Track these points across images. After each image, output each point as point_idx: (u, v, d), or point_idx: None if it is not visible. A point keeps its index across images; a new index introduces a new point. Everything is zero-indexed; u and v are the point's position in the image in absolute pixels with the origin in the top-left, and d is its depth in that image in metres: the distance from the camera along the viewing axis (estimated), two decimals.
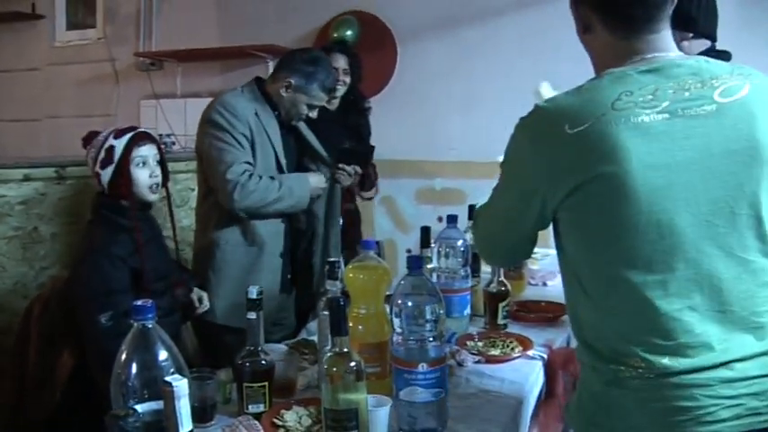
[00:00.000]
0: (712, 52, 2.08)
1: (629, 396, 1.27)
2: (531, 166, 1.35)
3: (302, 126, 2.86)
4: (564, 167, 1.28)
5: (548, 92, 1.96)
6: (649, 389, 1.25)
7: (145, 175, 2.28)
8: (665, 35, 1.36)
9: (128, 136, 2.27)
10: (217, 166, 2.54)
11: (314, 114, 2.73)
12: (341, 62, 3.35)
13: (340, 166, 2.80)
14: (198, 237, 2.81)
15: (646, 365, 1.25)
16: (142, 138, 2.30)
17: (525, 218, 1.41)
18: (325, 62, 2.72)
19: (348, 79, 3.39)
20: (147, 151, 2.30)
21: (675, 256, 1.24)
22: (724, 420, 1.21)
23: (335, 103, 3.41)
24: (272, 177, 2.59)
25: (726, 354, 1.23)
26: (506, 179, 1.46)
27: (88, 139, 2.33)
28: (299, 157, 2.84)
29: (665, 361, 1.23)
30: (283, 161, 2.68)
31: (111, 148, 2.25)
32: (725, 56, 2.10)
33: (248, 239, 2.64)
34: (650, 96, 1.26)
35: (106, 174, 2.25)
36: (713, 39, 2.14)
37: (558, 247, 1.42)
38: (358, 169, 2.84)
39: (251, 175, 2.53)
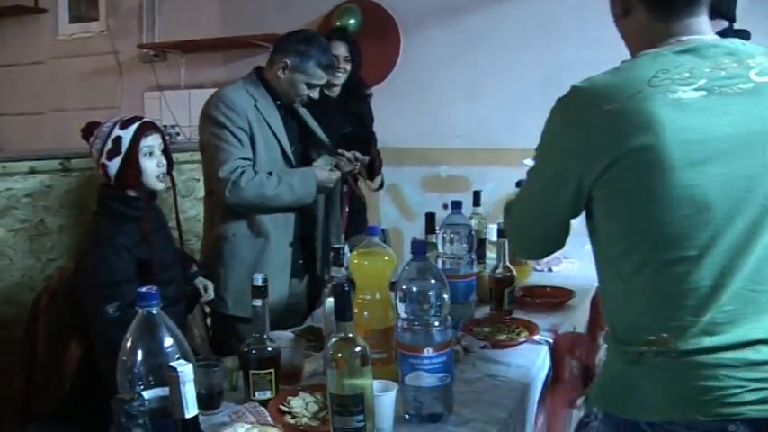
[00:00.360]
0: (730, 32, 2.07)
1: (651, 376, 1.28)
2: (567, 144, 1.35)
3: (304, 112, 2.86)
4: (600, 144, 1.29)
5: None
6: (672, 368, 1.26)
7: (152, 165, 2.28)
8: (703, 20, 1.37)
9: (135, 126, 2.26)
10: (211, 164, 2.58)
11: (315, 95, 2.72)
12: (341, 50, 3.35)
13: (339, 151, 2.80)
14: (206, 230, 2.83)
15: (671, 343, 1.25)
16: (149, 128, 2.30)
17: (561, 200, 1.40)
18: (319, 40, 2.72)
19: (348, 66, 3.39)
20: (154, 141, 2.30)
21: (709, 231, 1.23)
22: (748, 403, 1.21)
23: (336, 90, 3.41)
24: (270, 173, 2.59)
25: (752, 333, 1.23)
26: (542, 161, 1.45)
27: (88, 130, 2.32)
28: (303, 145, 2.84)
29: (691, 338, 1.24)
30: (289, 150, 2.69)
31: (118, 138, 2.24)
32: (744, 35, 2.08)
33: (254, 231, 2.65)
34: (687, 74, 1.27)
35: (114, 165, 2.24)
36: (732, 19, 2.12)
37: (591, 233, 1.42)
38: (358, 155, 2.83)
39: (243, 173, 2.54)
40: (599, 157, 1.28)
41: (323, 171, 2.71)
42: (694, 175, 1.23)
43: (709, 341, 1.23)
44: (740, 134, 1.24)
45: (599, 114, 1.28)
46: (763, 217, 1.24)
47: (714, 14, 2.00)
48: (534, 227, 1.53)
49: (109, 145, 2.24)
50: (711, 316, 1.23)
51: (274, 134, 2.64)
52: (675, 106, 1.24)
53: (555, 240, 1.53)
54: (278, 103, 2.71)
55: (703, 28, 1.36)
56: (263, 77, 2.72)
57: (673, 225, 1.24)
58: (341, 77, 3.37)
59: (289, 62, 2.64)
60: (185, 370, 1.05)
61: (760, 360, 1.22)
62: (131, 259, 2.21)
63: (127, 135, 2.24)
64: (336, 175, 2.75)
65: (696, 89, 1.25)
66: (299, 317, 2.65)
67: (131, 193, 2.27)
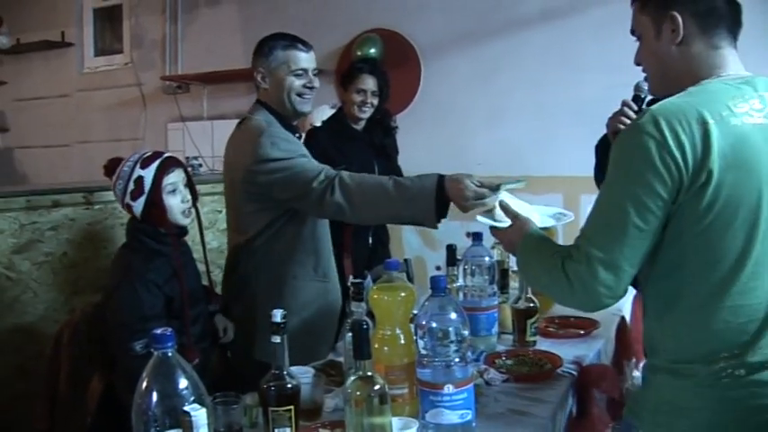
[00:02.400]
0: None
1: (706, 395, 1.34)
2: (661, 160, 1.33)
3: None
4: (696, 158, 1.32)
5: (511, 201, 1.93)
6: (739, 387, 1.31)
7: (177, 201, 2.26)
8: (737, 54, 1.48)
9: (155, 165, 2.24)
10: (293, 186, 2.29)
11: (316, 83, 2.47)
12: (370, 83, 3.31)
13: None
14: (256, 272, 2.48)
15: (740, 358, 1.32)
16: (170, 164, 2.27)
17: (647, 226, 1.37)
18: (275, 34, 2.49)
19: (376, 101, 3.33)
20: (176, 177, 2.27)
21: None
22: None
23: (362, 123, 3.39)
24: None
25: None
26: (627, 187, 1.38)
27: (111, 168, 2.29)
28: None
29: (758, 350, 1.31)
30: None
31: (140, 178, 2.22)
32: None
33: (319, 273, 2.48)
34: (755, 101, 1.37)
35: (138, 205, 2.23)
36: None
37: (649, 263, 1.42)
38: None
39: (339, 172, 2.25)
40: (699, 171, 1.32)
41: (455, 178, 2.23)
42: (759, 202, 1.33)
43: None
44: None
45: (694, 130, 1.32)
46: None
47: None
48: (619, 261, 1.42)
49: (131, 185, 2.22)
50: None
51: None
52: (756, 130, 1.35)
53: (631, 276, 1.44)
54: (297, 135, 2.56)
55: (738, 61, 1.47)
56: (268, 107, 2.48)
57: (752, 240, 1.34)
58: (367, 112, 3.32)
59: (261, 68, 2.45)
60: (199, 415, 1.04)
61: None
62: (161, 295, 2.20)
63: (149, 174, 2.22)
64: None
65: (764, 116, 1.37)
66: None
67: (161, 229, 2.26)
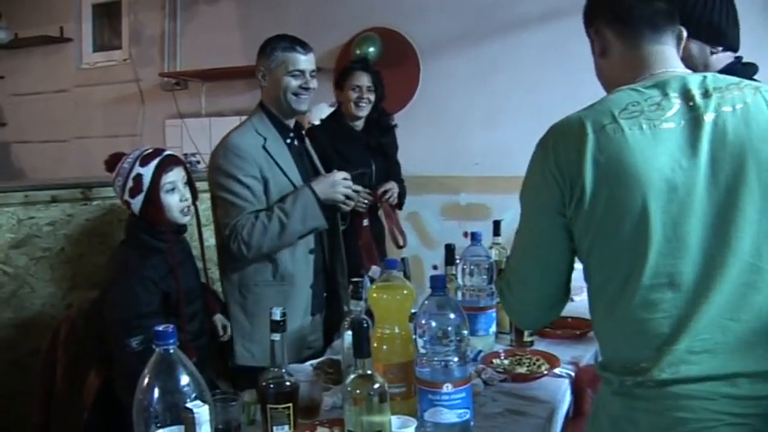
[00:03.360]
0: (739, 65, 2.06)
1: (633, 406, 1.27)
2: (543, 177, 1.36)
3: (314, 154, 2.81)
4: (573, 172, 1.30)
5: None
6: (650, 398, 1.24)
7: (175, 200, 2.27)
8: (671, 51, 1.43)
9: (155, 163, 2.24)
10: (224, 218, 2.47)
11: (312, 85, 2.56)
12: (364, 80, 3.33)
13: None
14: (227, 281, 2.64)
15: (648, 372, 1.24)
16: (169, 163, 2.27)
17: (552, 241, 1.40)
18: (276, 36, 2.60)
19: (372, 97, 3.35)
20: (175, 176, 2.28)
21: (682, 260, 1.24)
22: None
23: (360, 124, 3.39)
24: (272, 208, 2.47)
25: (730, 366, 1.20)
26: (527, 203, 1.45)
27: (112, 164, 2.30)
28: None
29: (667, 367, 1.22)
30: None
31: (139, 176, 2.23)
32: (752, 68, 2.07)
33: (277, 278, 2.54)
34: (655, 106, 1.31)
35: (137, 202, 2.23)
36: (735, 49, 2.12)
37: (584, 265, 1.41)
38: (360, 189, 2.73)
39: (244, 226, 2.42)
40: (575, 184, 1.30)
41: (319, 182, 2.53)
42: (664, 204, 1.24)
43: (684, 371, 1.21)
44: (707, 164, 1.26)
45: (575, 143, 1.31)
46: (739, 244, 1.23)
47: (716, 45, 1.99)
48: (532, 277, 1.48)
49: (130, 183, 2.23)
50: (686, 344, 1.22)
51: (285, 174, 2.54)
52: (644, 136, 1.27)
53: (556, 293, 1.48)
54: (288, 140, 2.62)
55: (673, 59, 1.42)
56: (264, 107, 2.61)
57: (645, 250, 1.25)
58: (364, 108, 3.34)
59: (262, 67, 2.56)
60: (201, 411, 1.04)
61: (740, 395, 1.19)
62: (157, 292, 2.20)
63: (147, 172, 2.22)
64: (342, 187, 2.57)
65: (665, 120, 1.29)
66: (315, 352, 2.61)
67: (159, 226, 2.26)
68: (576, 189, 1.30)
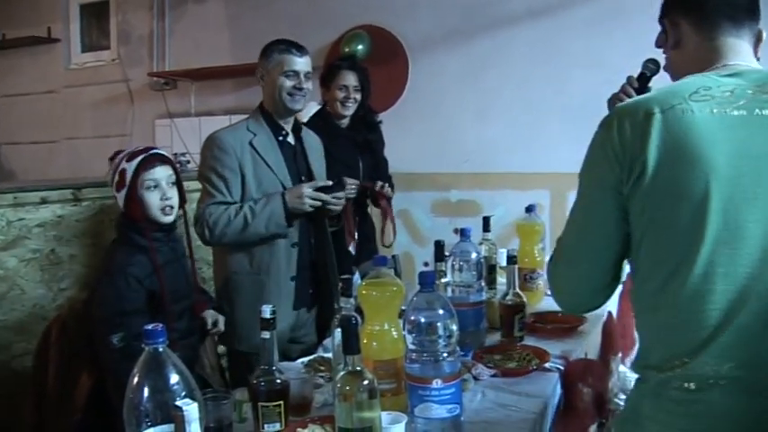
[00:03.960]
0: None
1: (663, 406, 1.26)
2: (604, 153, 1.32)
3: (311, 148, 2.86)
4: (636, 148, 1.27)
5: None
6: (684, 402, 1.23)
7: (156, 198, 2.28)
8: (747, 46, 1.40)
9: (137, 159, 2.27)
10: (198, 204, 2.63)
11: (306, 85, 2.66)
12: (351, 79, 3.33)
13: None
14: (214, 266, 2.86)
15: (688, 366, 1.23)
16: (153, 160, 2.29)
17: (606, 218, 1.35)
18: (277, 39, 2.74)
19: (359, 96, 3.35)
20: (159, 174, 2.29)
21: (739, 250, 1.21)
22: None
23: (346, 122, 3.40)
24: (245, 205, 2.58)
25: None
26: (585, 181, 1.40)
27: (113, 160, 2.36)
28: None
29: (708, 369, 1.21)
30: (289, 185, 2.66)
31: (123, 171, 2.26)
32: None
33: (254, 267, 2.64)
34: (728, 93, 1.27)
35: (121, 197, 2.28)
36: None
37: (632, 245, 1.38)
38: (341, 195, 2.74)
39: (211, 214, 2.55)
40: (636, 161, 1.27)
41: (289, 193, 2.61)
42: (728, 190, 1.21)
43: (724, 368, 1.20)
44: None
45: (640, 121, 1.28)
46: None
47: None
48: (582, 259, 1.43)
49: (116, 177, 2.28)
50: (731, 338, 1.20)
51: (271, 169, 2.63)
52: (714, 121, 1.24)
53: (606, 276, 1.42)
54: (280, 138, 2.70)
55: (747, 53, 1.39)
56: (262, 108, 2.72)
57: (699, 235, 1.22)
58: (351, 108, 3.34)
59: (261, 68, 2.69)
60: (190, 409, 1.04)
61: None
62: (142, 290, 2.21)
63: (130, 168, 2.26)
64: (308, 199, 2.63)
65: (736, 108, 1.26)
66: (307, 348, 2.64)
67: (141, 223, 2.28)
68: (636, 166, 1.26)
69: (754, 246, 1.20)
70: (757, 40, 1.43)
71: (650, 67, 2.15)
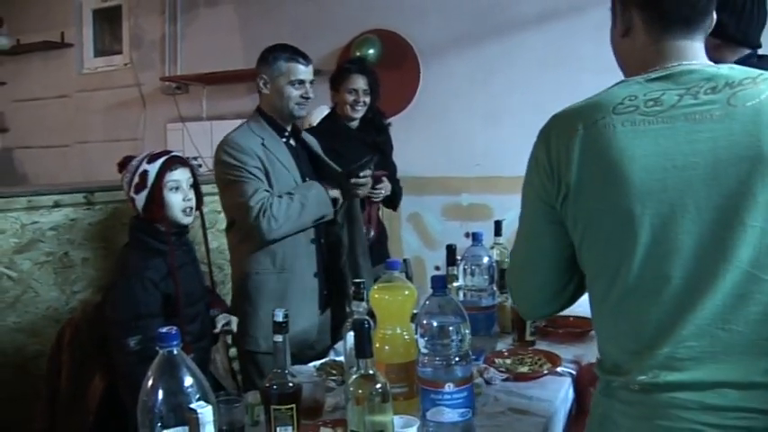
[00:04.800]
0: (753, 58, 2.02)
1: (617, 408, 1.24)
2: (536, 167, 1.33)
3: (312, 143, 2.89)
4: (563, 166, 1.26)
5: None
6: (632, 403, 1.21)
7: (178, 199, 2.30)
8: (699, 46, 1.32)
9: (160, 161, 2.29)
10: (240, 197, 2.56)
11: (311, 94, 2.69)
12: (360, 83, 3.34)
13: (352, 180, 2.76)
14: (232, 266, 2.83)
15: (629, 375, 1.21)
16: (175, 162, 2.32)
17: (546, 230, 1.35)
18: (278, 45, 2.74)
19: (368, 99, 3.36)
20: (180, 175, 2.31)
21: (671, 263, 1.17)
22: None
23: (355, 124, 3.41)
24: (288, 193, 2.59)
25: (716, 374, 1.15)
26: (523, 193, 1.41)
27: (123, 165, 2.36)
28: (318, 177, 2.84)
29: (648, 371, 1.18)
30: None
31: (145, 173, 2.27)
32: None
33: (277, 266, 2.64)
34: (652, 102, 1.23)
35: (140, 198, 2.28)
36: (755, 46, 2.06)
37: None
38: (368, 174, 2.80)
39: (272, 203, 2.53)
40: (561, 180, 1.26)
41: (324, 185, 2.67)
42: (654, 204, 1.18)
43: (665, 377, 1.17)
44: (706, 163, 1.17)
45: (565, 137, 1.26)
46: (735, 252, 1.15)
47: (733, 43, 1.97)
48: (531, 267, 1.44)
49: (136, 179, 2.28)
50: (669, 350, 1.17)
51: (286, 168, 2.65)
52: (637, 133, 1.20)
53: (555, 283, 1.42)
54: (283, 139, 2.71)
55: (696, 52, 1.31)
56: (262, 112, 2.72)
57: (633, 252, 1.19)
58: (360, 111, 3.35)
59: (264, 75, 2.67)
60: (205, 412, 1.05)
61: (723, 405, 1.13)
62: (157, 294, 2.22)
63: (153, 169, 2.27)
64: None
65: (661, 115, 1.21)
66: (321, 350, 2.64)
67: (160, 226, 2.29)
68: (562, 184, 1.26)
69: (688, 258, 1.17)
70: (708, 29, 1.35)
71: None
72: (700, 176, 1.17)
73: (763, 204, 1.15)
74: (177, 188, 2.29)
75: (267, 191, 2.57)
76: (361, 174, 2.72)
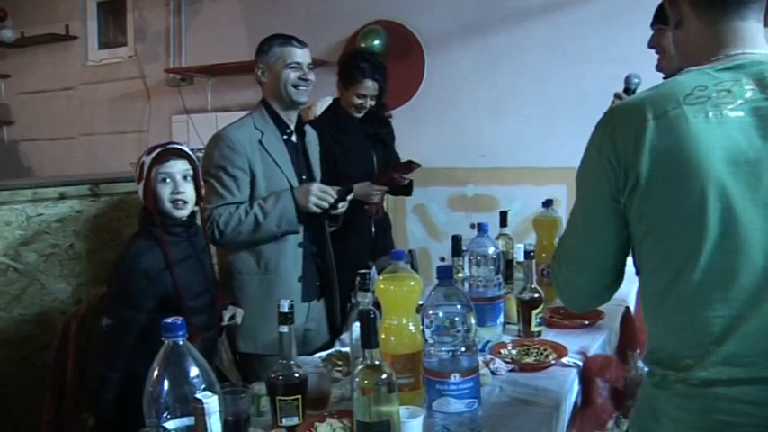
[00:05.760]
0: None
1: (674, 401, 1.23)
2: (599, 158, 1.29)
3: (313, 144, 2.87)
4: (631, 156, 1.24)
5: None
6: (693, 396, 1.20)
7: (167, 191, 2.28)
8: (755, 28, 1.29)
9: (155, 152, 2.29)
10: (205, 205, 2.54)
11: (311, 77, 2.66)
12: (370, 89, 3.28)
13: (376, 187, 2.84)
14: (219, 265, 2.78)
15: (691, 370, 1.20)
16: (169, 154, 2.29)
17: (604, 226, 1.34)
18: (273, 35, 2.73)
19: (374, 102, 3.34)
20: (173, 168, 2.29)
21: (739, 258, 1.16)
22: None
23: (358, 115, 3.39)
24: (259, 203, 2.57)
25: None
26: (582, 185, 1.38)
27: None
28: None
29: (711, 367, 1.18)
30: (296, 183, 2.67)
31: (143, 164, 2.28)
32: None
33: (261, 267, 2.64)
34: (725, 93, 1.21)
35: (140, 189, 2.29)
36: None
37: (634, 246, 1.36)
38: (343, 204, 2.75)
39: (221, 215, 2.55)
40: (629, 172, 1.24)
41: (298, 190, 2.62)
42: (725, 198, 1.16)
43: (728, 373, 1.17)
44: None
45: (634, 128, 1.23)
46: None
47: None
48: (582, 262, 1.42)
49: (138, 170, 2.29)
50: (735, 347, 1.16)
51: (280, 168, 2.63)
52: (709, 125, 1.18)
53: (606, 278, 1.42)
54: (285, 137, 2.70)
55: (754, 37, 1.28)
56: (266, 104, 2.71)
57: (701, 245, 1.18)
58: (363, 112, 3.33)
59: (261, 64, 2.67)
60: (211, 402, 1.05)
61: None
62: (149, 289, 2.21)
63: (148, 161, 2.28)
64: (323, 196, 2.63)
65: (732, 109, 1.19)
66: (321, 340, 2.64)
67: (166, 218, 2.29)
68: (630, 176, 1.24)
69: (757, 254, 1.16)
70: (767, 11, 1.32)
71: (634, 81, 2.18)
72: None
73: None
74: (166, 180, 2.28)
75: (230, 203, 2.56)
76: (339, 205, 2.69)
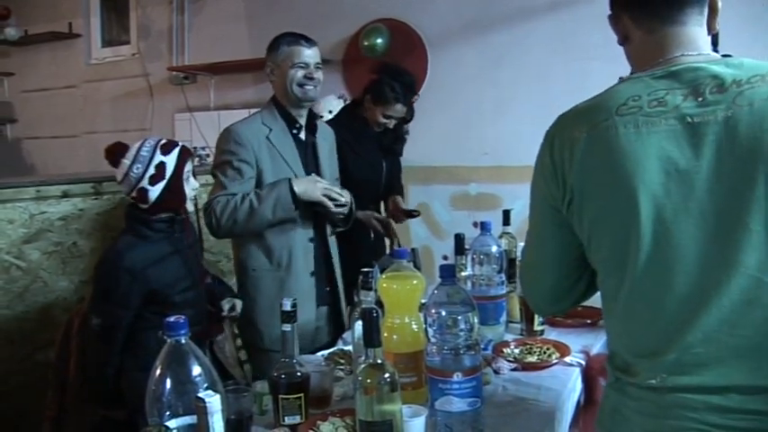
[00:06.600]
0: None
1: (627, 404, 1.24)
2: (541, 169, 1.34)
3: (327, 140, 2.87)
4: (566, 169, 1.26)
5: None
6: (641, 400, 1.21)
7: (190, 189, 2.34)
8: (695, 31, 1.28)
9: (177, 151, 2.30)
10: (209, 196, 2.60)
11: (317, 75, 2.65)
12: (400, 113, 3.28)
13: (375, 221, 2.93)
14: (234, 260, 2.83)
15: (638, 376, 1.21)
16: (188, 152, 2.36)
17: (553, 233, 1.37)
18: (284, 33, 2.73)
19: (395, 122, 3.33)
20: (191, 165, 2.35)
21: (673, 270, 1.16)
22: None
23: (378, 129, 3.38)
24: (256, 192, 2.56)
25: (723, 378, 1.13)
26: (531, 194, 1.41)
27: (114, 152, 2.33)
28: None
29: (656, 373, 1.18)
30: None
31: (162, 164, 2.26)
32: None
33: (273, 264, 2.64)
34: (656, 102, 1.20)
35: (156, 190, 2.25)
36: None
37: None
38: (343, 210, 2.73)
39: (218, 202, 2.53)
40: (566, 183, 1.26)
41: (301, 179, 2.60)
42: (656, 210, 1.16)
43: (673, 381, 1.17)
44: (710, 167, 1.15)
45: (569, 141, 1.26)
46: (740, 257, 1.12)
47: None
48: (541, 266, 1.45)
49: (152, 170, 2.25)
50: (677, 356, 1.16)
51: (287, 164, 2.63)
52: (639, 136, 1.18)
53: (564, 282, 1.42)
54: (294, 131, 2.70)
55: (693, 40, 1.28)
56: (276, 101, 2.71)
57: (637, 257, 1.18)
58: (382, 129, 3.32)
59: (270, 63, 2.68)
60: (213, 401, 1.05)
61: (726, 406, 1.13)
62: (134, 286, 2.21)
63: (171, 161, 2.27)
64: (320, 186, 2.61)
65: (664, 118, 1.18)
66: (322, 342, 2.64)
67: (160, 215, 2.29)
68: (567, 188, 1.26)
69: (692, 264, 1.15)
70: (711, 12, 1.30)
71: None
72: (702, 180, 1.15)
73: (765, 207, 1.12)
74: (189, 178, 2.32)
75: (234, 194, 2.54)
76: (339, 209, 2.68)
